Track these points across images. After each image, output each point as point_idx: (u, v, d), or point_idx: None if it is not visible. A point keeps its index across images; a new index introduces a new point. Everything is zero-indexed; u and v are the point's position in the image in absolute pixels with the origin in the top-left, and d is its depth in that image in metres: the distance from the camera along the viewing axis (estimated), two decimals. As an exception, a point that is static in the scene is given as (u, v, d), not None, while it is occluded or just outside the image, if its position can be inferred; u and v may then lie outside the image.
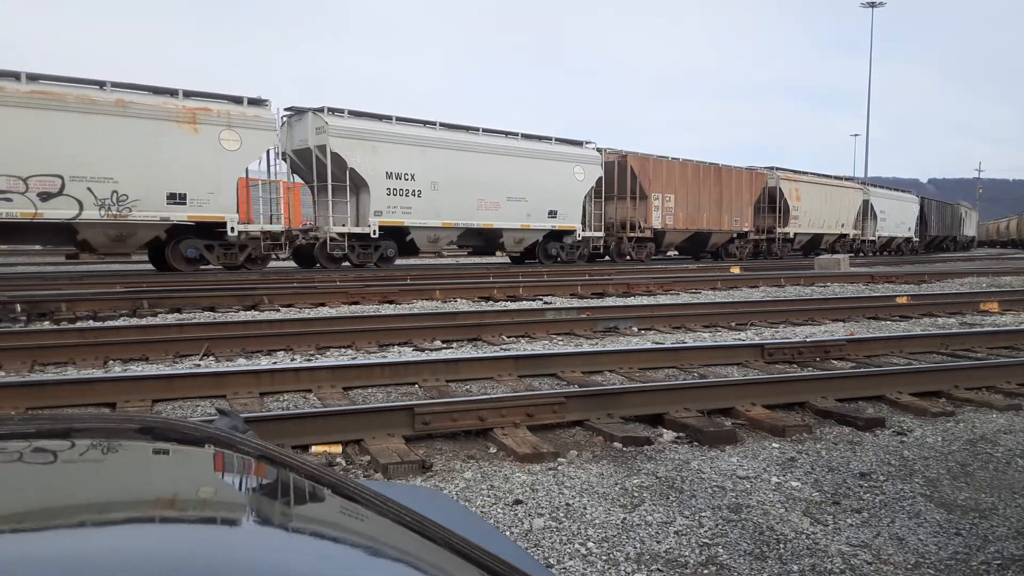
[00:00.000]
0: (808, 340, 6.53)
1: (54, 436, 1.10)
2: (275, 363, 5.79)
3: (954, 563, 2.45)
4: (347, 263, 17.12)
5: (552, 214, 20.26)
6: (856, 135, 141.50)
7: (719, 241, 26.20)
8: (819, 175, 31.81)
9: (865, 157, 55.07)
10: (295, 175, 18.28)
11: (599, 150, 21.89)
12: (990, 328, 8.41)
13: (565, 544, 2.54)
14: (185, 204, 14.59)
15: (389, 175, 17.05)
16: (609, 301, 11.25)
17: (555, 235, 20.80)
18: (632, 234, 22.92)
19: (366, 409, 3.81)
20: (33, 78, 13.24)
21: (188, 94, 14.80)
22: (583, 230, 21.27)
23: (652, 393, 4.30)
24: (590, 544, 2.54)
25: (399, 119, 17.65)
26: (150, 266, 17.34)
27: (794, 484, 3.18)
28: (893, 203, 38.25)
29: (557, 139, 20.95)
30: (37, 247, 14.37)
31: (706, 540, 2.59)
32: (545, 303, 10.89)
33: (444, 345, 6.93)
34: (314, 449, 3.55)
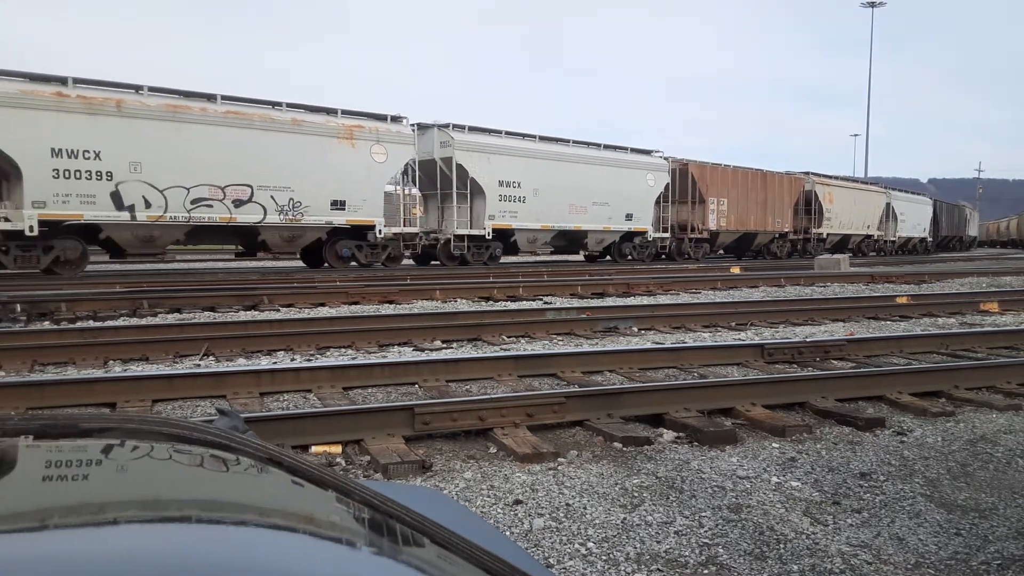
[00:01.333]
0: (808, 340, 6.53)
1: (54, 436, 1.10)
2: (275, 363, 5.79)
3: (954, 563, 2.45)
4: (464, 261, 19.50)
5: (629, 217, 22.58)
6: (856, 135, 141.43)
7: (763, 241, 28.31)
8: (848, 179, 35.16)
9: (865, 157, 55.17)
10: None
11: (665, 159, 24.20)
12: (990, 328, 8.41)
13: (565, 544, 2.54)
14: (344, 210, 16.75)
15: (501, 183, 19.40)
16: (609, 301, 11.25)
17: (629, 236, 23.10)
18: (692, 235, 25.08)
19: (366, 409, 3.81)
20: (226, 99, 15.27)
21: (345, 113, 17.03)
22: (652, 231, 23.60)
23: (652, 393, 4.30)
24: (590, 544, 2.54)
25: (508, 133, 20.09)
26: (151, 266, 17.53)
27: (794, 484, 3.18)
28: (911, 205, 40.76)
29: (632, 149, 23.21)
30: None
31: (706, 540, 2.59)
32: (545, 303, 10.89)
33: (444, 345, 6.93)
34: (314, 449, 3.55)
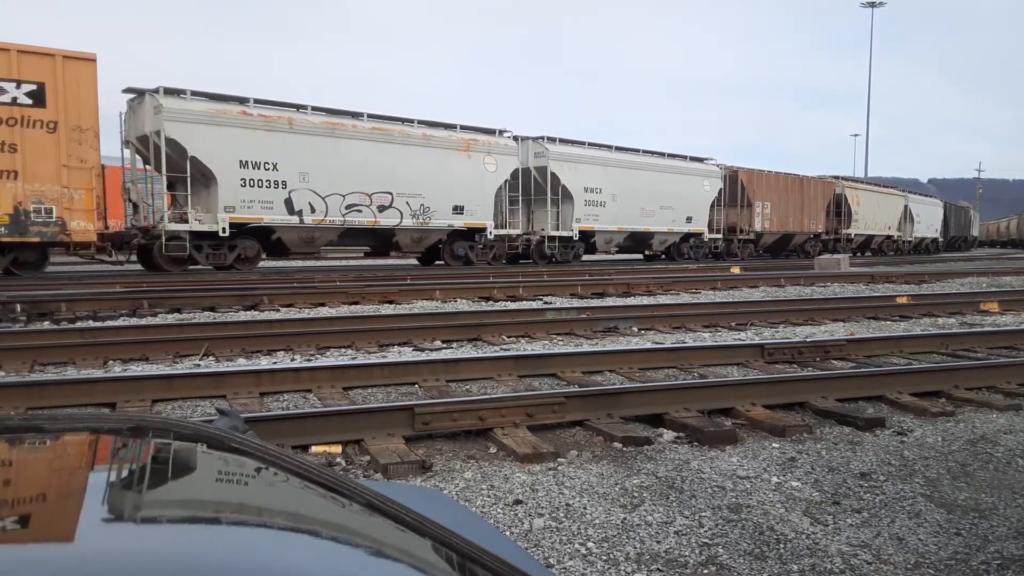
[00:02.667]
0: (808, 340, 6.53)
1: (53, 437, 1.10)
2: (275, 363, 5.79)
3: (954, 563, 2.45)
4: (552, 259, 21.64)
5: (688, 220, 24.78)
6: (856, 135, 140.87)
7: (799, 241, 30.59)
8: (873, 183, 38.72)
9: (865, 157, 55.28)
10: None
11: (718, 166, 26.38)
12: (990, 328, 8.41)
13: (565, 544, 2.54)
14: (463, 214, 18.89)
15: (586, 189, 21.63)
16: (609, 301, 11.26)
17: (687, 237, 25.29)
18: (740, 236, 27.13)
19: (366, 409, 3.81)
20: (371, 117, 17.56)
21: (463, 128, 19.18)
22: (708, 233, 25.76)
23: (652, 393, 4.30)
24: (590, 544, 2.54)
25: (590, 144, 22.41)
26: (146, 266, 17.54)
27: (794, 484, 3.18)
28: (925, 207, 43.45)
29: (691, 157, 25.50)
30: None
31: (706, 540, 2.59)
32: (545, 303, 10.89)
33: (444, 345, 6.93)
34: (314, 449, 3.55)
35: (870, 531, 2.70)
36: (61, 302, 9.02)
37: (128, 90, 15.58)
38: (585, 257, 23.25)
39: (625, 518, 2.77)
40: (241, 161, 15.29)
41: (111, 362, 5.90)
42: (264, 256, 17.08)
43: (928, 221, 43.61)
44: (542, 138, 21.12)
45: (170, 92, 14.92)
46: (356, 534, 0.91)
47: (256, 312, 9.64)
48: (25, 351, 5.81)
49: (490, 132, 19.69)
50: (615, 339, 7.53)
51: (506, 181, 19.93)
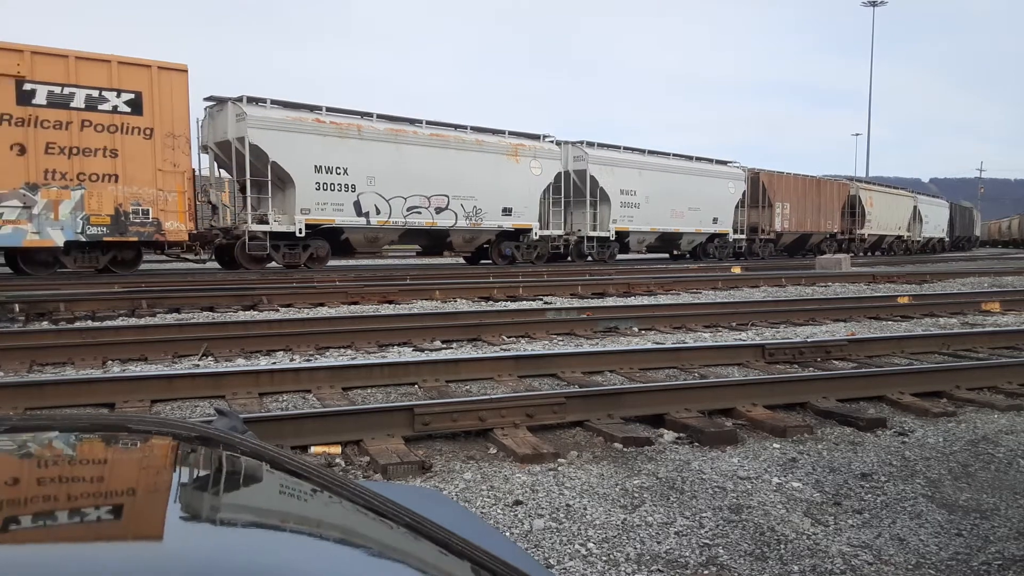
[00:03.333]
0: (809, 340, 6.52)
1: (52, 437, 1.10)
2: (274, 363, 5.78)
3: (955, 563, 2.45)
4: (590, 258, 22.83)
5: (715, 221, 25.86)
6: (857, 134, 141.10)
7: (816, 241, 31.59)
8: (885, 185, 39.99)
9: (867, 157, 55.30)
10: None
11: (742, 169, 27.52)
12: (992, 328, 8.40)
13: (565, 545, 2.53)
14: (511, 215, 19.99)
15: (622, 192, 22.64)
16: (609, 301, 11.25)
17: (713, 237, 26.37)
18: (761, 236, 28.15)
19: (365, 409, 3.80)
20: (429, 124, 18.50)
21: (511, 133, 20.30)
22: (732, 233, 26.84)
23: (652, 393, 4.29)
24: (590, 545, 2.53)
25: (626, 148, 23.37)
26: (150, 266, 17.66)
27: (795, 485, 3.17)
28: (933, 208, 44.76)
29: (716, 161, 26.52)
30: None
31: (707, 541, 2.58)
32: (545, 303, 10.88)
33: (444, 345, 6.92)
34: (313, 450, 3.54)
35: (871, 532, 2.69)
36: (60, 302, 9.02)
37: (209, 98, 16.52)
38: (622, 256, 24.62)
39: (625, 519, 2.77)
40: (316, 166, 16.34)
41: (110, 362, 5.89)
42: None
43: (935, 221, 44.96)
44: (581, 143, 22.20)
45: (252, 101, 15.88)
46: (356, 535, 0.90)
47: (255, 312, 9.63)
48: (24, 351, 5.81)
49: (535, 137, 20.82)
50: (615, 339, 7.52)
51: (550, 184, 21.02)
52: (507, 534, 2.61)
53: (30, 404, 4.15)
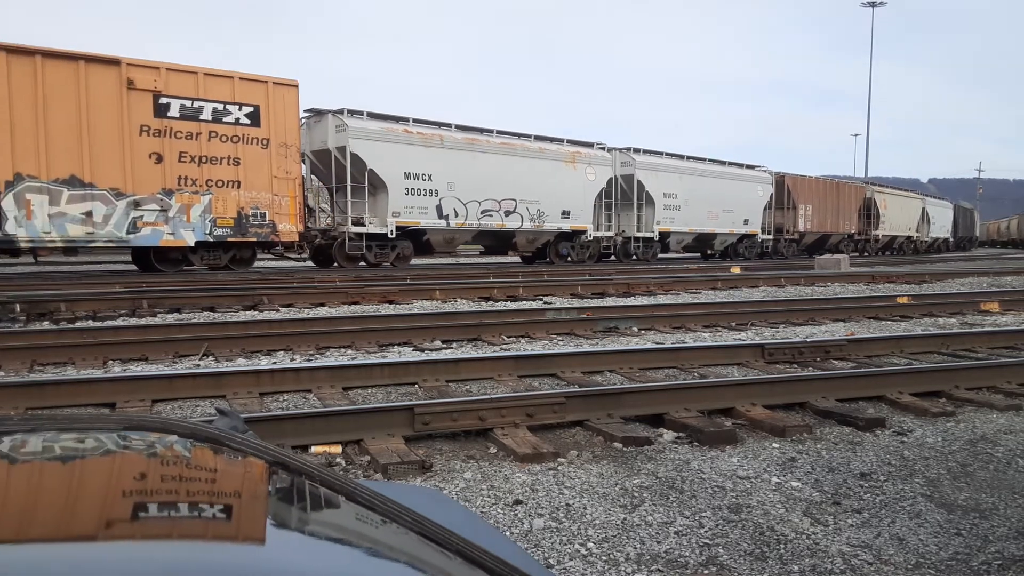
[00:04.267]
0: (808, 340, 6.52)
1: (53, 437, 1.10)
2: (275, 363, 5.78)
3: (955, 563, 2.45)
4: (635, 256, 24.50)
5: (746, 222, 27.37)
6: (857, 134, 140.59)
7: (835, 241, 33.06)
8: (898, 188, 41.58)
9: (866, 157, 55.31)
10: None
11: (769, 172, 28.91)
12: (991, 328, 8.41)
13: (565, 544, 2.54)
14: (569, 218, 21.51)
15: (665, 195, 24.28)
16: (609, 301, 11.25)
17: (743, 238, 27.71)
18: (786, 236, 29.57)
19: (366, 409, 3.81)
20: (500, 133, 20.25)
21: (569, 141, 21.87)
22: (761, 234, 28.35)
23: (652, 393, 4.30)
24: (590, 544, 2.54)
25: (668, 154, 25.05)
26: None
27: (794, 484, 3.18)
28: (939, 210, 46.62)
29: (746, 165, 28.14)
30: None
31: (706, 540, 2.59)
32: (545, 303, 10.89)
33: (444, 345, 6.93)
34: (314, 449, 3.55)
35: (870, 531, 2.70)
36: (60, 302, 9.02)
37: (308, 110, 17.80)
38: (661, 255, 26.41)
39: (625, 518, 2.77)
40: (405, 173, 17.87)
41: (111, 362, 5.89)
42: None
43: (941, 222, 46.67)
44: (629, 149, 23.90)
45: (352, 113, 17.39)
46: (355, 534, 0.90)
47: (256, 312, 9.63)
48: (24, 351, 5.81)
49: (588, 145, 22.41)
50: (615, 339, 7.53)
51: (603, 188, 22.49)
52: (507, 533, 2.61)
53: (31, 404, 4.15)
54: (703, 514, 2.83)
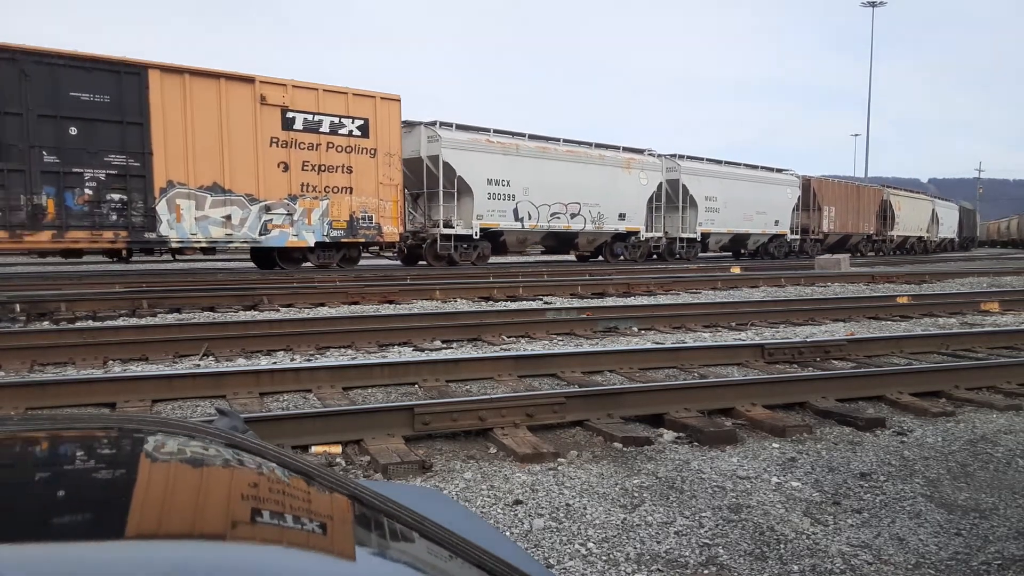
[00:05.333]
0: (808, 340, 6.53)
1: (53, 437, 1.10)
2: (275, 363, 5.79)
3: (954, 563, 2.45)
4: (678, 256, 25.86)
5: (776, 223, 29.19)
6: (856, 134, 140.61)
7: (855, 241, 35.00)
8: (911, 190, 44.04)
9: (866, 157, 55.32)
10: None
11: (796, 176, 30.73)
12: (990, 328, 8.41)
13: (565, 544, 2.54)
14: (624, 220, 23.14)
15: (707, 198, 25.96)
16: (609, 301, 11.25)
17: (773, 238, 29.49)
18: (811, 236, 31.25)
19: (366, 409, 3.81)
20: (566, 142, 21.88)
21: (625, 149, 23.43)
22: (790, 235, 30.11)
23: (652, 393, 4.30)
24: (590, 544, 2.54)
25: (708, 159, 26.93)
26: (151, 266, 17.82)
27: (794, 484, 3.18)
28: (946, 211, 48.51)
29: (777, 169, 30.01)
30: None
31: (706, 540, 2.59)
32: (545, 303, 10.89)
33: (444, 345, 6.93)
34: (314, 449, 3.55)
35: (870, 531, 2.70)
36: (61, 302, 9.03)
37: (400, 122, 18.79)
38: (701, 255, 28.16)
39: (625, 518, 2.77)
40: (488, 179, 19.60)
41: (111, 362, 5.89)
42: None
43: (948, 223, 48.65)
44: (675, 155, 25.59)
45: (443, 125, 19.04)
46: (356, 534, 0.90)
47: (256, 312, 9.63)
48: (25, 351, 5.81)
49: (640, 151, 24.08)
50: (615, 339, 7.53)
51: (653, 192, 24.19)
52: (507, 533, 2.62)
53: (31, 404, 4.16)
54: (703, 514, 2.83)
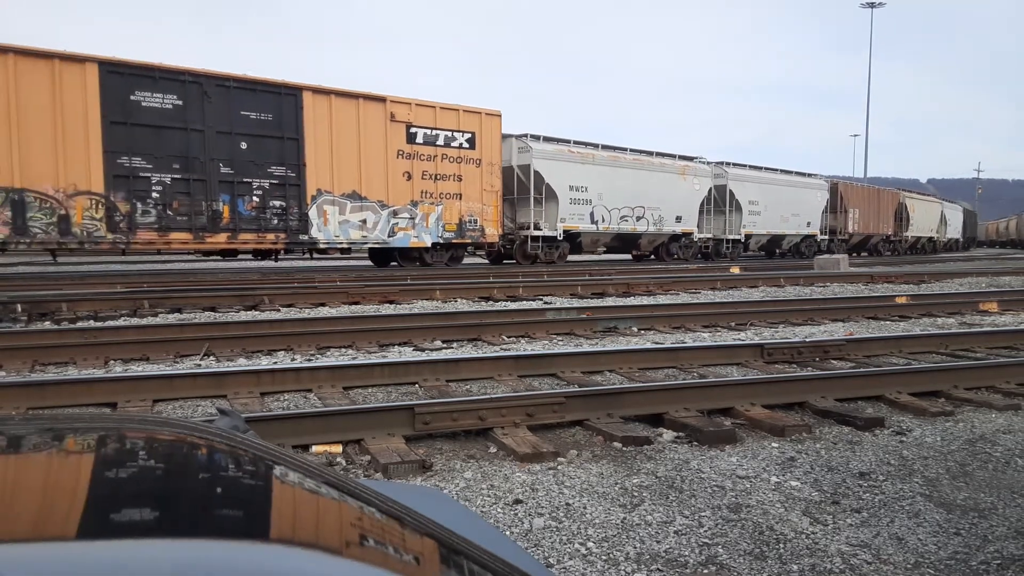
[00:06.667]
0: (807, 340, 6.53)
1: (54, 436, 1.11)
2: (275, 363, 5.79)
3: (954, 563, 2.46)
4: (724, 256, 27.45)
5: (808, 224, 31.35)
6: (856, 135, 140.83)
7: (875, 241, 37.43)
8: (922, 194, 46.26)
9: (865, 157, 55.18)
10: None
11: (825, 180, 33.06)
12: (989, 328, 8.41)
13: (565, 544, 2.55)
14: (680, 222, 24.85)
15: (750, 202, 27.89)
16: (609, 301, 11.25)
17: (805, 238, 31.46)
18: (838, 236, 33.24)
19: (366, 409, 3.81)
20: (632, 151, 23.77)
21: (680, 157, 25.37)
22: (819, 235, 32.16)
23: (652, 393, 4.30)
24: (590, 544, 2.55)
25: (750, 166, 28.89)
26: (151, 266, 17.88)
27: (793, 484, 3.19)
28: (953, 212, 51.06)
29: (808, 174, 32.13)
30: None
31: (706, 540, 2.60)
32: (545, 303, 10.89)
33: (444, 345, 6.93)
34: (314, 449, 3.56)
35: (869, 531, 2.70)
36: (62, 302, 9.03)
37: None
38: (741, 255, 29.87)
39: (625, 518, 2.78)
40: (570, 186, 21.41)
41: (112, 362, 5.90)
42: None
43: (955, 224, 51.21)
44: (722, 163, 27.51)
45: (532, 137, 20.97)
46: (356, 534, 0.91)
47: (257, 312, 9.64)
48: (26, 351, 5.82)
49: (691, 159, 26.01)
50: (615, 339, 7.53)
51: (704, 197, 25.87)
52: (507, 533, 2.62)
53: (32, 404, 4.16)
54: (703, 513, 2.83)
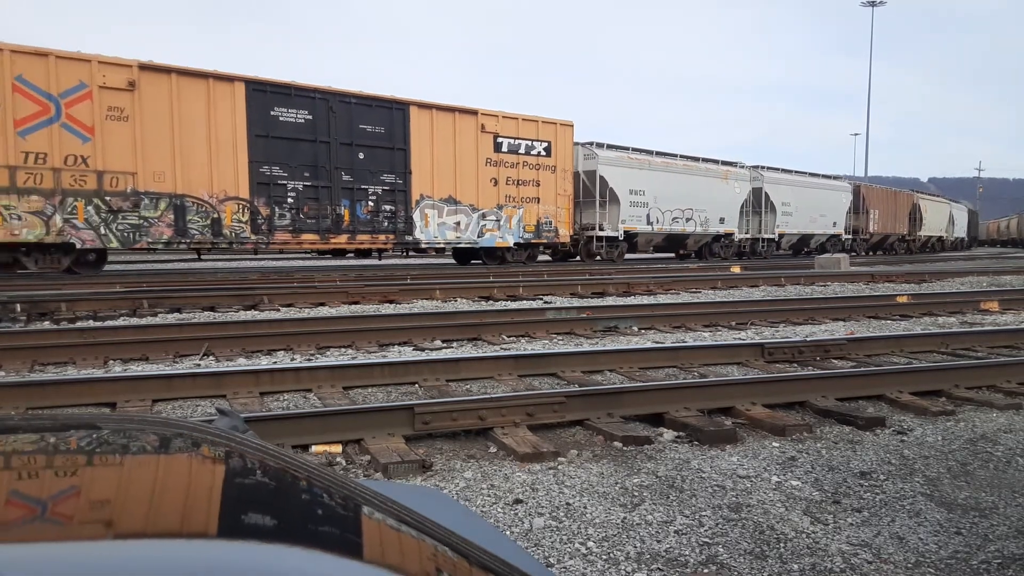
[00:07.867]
0: (808, 339, 6.53)
1: (54, 436, 1.10)
2: (275, 363, 5.79)
3: (954, 562, 2.46)
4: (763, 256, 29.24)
5: (834, 224, 33.45)
6: (856, 134, 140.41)
7: (891, 241, 39.64)
8: (932, 195, 49.05)
9: (865, 157, 55.45)
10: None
11: (849, 182, 35.19)
12: (990, 327, 8.41)
13: (565, 543, 2.54)
14: (723, 224, 26.81)
15: (783, 204, 29.81)
16: (609, 301, 11.25)
17: (831, 238, 33.52)
18: (859, 236, 35.45)
19: (366, 409, 3.81)
20: (683, 157, 25.70)
21: (723, 163, 27.16)
22: (844, 234, 34.31)
23: (652, 392, 4.30)
24: (590, 543, 2.54)
25: (783, 169, 30.99)
26: (151, 266, 17.88)
27: (794, 483, 3.18)
28: (959, 212, 53.80)
29: (833, 176, 34.40)
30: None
31: (706, 539, 2.59)
32: (545, 303, 10.89)
33: (444, 345, 6.93)
34: (314, 449, 3.55)
35: (870, 530, 2.70)
36: (61, 302, 9.02)
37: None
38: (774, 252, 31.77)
39: (625, 517, 2.77)
40: (630, 190, 23.26)
41: (111, 362, 5.90)
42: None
43: (960, 224, 53.82)
44: (759, 167, 29.49)
45: (598, 145, 22.85)
46: (356, 534, 0.91)
47: (256, 312, 9.63)
48: (25, 351, 5.81)
49: (732, 164, 27.82)
50: (615, 339, 7.53)
51: (744, 200, 27.75)
52: (507, 533, 2.62)
53: (31, 404, 4.16)
54: (703, 513, 2.83)
